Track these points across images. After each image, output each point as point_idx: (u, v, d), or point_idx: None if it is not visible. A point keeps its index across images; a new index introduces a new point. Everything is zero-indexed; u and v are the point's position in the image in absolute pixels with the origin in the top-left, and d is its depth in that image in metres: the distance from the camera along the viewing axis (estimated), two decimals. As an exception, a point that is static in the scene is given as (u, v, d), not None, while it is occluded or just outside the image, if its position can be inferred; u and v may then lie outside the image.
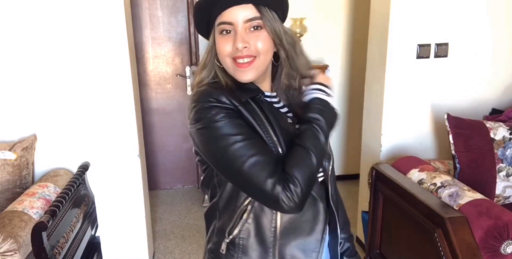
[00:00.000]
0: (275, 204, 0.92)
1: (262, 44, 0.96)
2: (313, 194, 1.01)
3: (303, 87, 1.05)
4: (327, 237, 1.11)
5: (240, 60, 0.96)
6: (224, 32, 0.96)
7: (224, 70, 1.01)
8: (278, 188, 0.89)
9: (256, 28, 0.96)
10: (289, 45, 1.01)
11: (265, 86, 1.05)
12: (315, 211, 1.03)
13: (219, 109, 0.92)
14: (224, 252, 1.02)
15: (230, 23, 0.95)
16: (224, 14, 0.95)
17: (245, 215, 0.99)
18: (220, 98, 0.93)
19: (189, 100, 0.98)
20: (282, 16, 1.01)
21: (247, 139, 0.92)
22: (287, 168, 0.91)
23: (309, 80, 1.04)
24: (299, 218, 1.01)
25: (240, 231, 1.00)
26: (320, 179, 1.06)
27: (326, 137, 0.98)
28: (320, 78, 1.04)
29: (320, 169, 1.06)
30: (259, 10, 0.95)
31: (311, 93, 1.02)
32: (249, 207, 0.99)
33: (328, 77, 1.06)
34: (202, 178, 1.09)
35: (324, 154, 0.99)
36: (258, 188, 0.91)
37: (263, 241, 1.00)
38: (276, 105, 1.05)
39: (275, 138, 0.97)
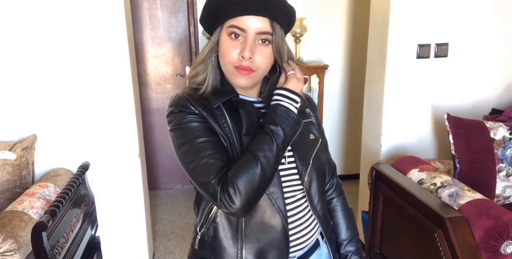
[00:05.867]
0: (218, 204, 0.92)
1: (264, 60, 0.98)
2: (273, 205, 0.99)
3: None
4: (304, 250, 1.08)
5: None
6: (233, 36, 0.96)
7: (215, 71, 1.02)
8: (217, 188, 0.90)
9: (264, 41, 0.97)
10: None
11: (253, 92, 1.06)
12: (275, 220, 1.00)
13: (185, 113, 1.00)
14: (197, 248, 1.07)
15: (242, 30, 0.95)
16: (239, 19, 0.94)
17: (211, 214, 1.03)
18: (186, 104, 1.00)
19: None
20: (285, 34, 1.02)
21: (204, 141, 0.95)
22: (230, 172, 0.91)
23: (282, 82, 1.01)
24: (264, 224, 1.00)
25: (207, 229, 1.03)
26: (300, 195, 1.05)
27: (281, 148, 0.94)
28: (290, 83, 1.00)
29: (301, 187, 1.04)
30: (273, 26, 0.96)
31: (275, 99, 0.98)
32: (214, 206, 1.01)
33: (299, 82, 1.00)
34: None
35: (277, 164, 0.95)
36: (202, 187, 0.94)
37: (229, 242, 1.01)
38: (257, 105, 1.05)
39: (237, 143, 0.97)
